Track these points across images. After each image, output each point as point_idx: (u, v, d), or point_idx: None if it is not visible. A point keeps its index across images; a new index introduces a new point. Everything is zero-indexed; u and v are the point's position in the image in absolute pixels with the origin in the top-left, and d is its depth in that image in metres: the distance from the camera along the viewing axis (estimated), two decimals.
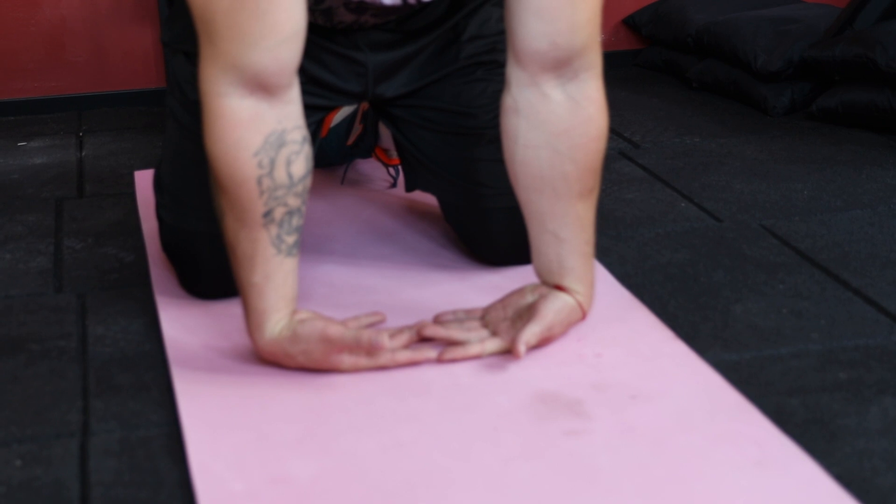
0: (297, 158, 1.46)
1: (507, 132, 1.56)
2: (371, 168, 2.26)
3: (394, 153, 2.14)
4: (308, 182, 1.49)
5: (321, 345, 1.47)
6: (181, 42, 1.72)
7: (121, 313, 1.74)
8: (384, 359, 1.50)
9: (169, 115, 1.75)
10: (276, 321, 1.48)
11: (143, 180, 2.26)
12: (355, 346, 1.47)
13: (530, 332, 1.51)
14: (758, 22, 2.77)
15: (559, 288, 1.55)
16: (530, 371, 1.50)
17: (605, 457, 1.31)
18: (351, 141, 2.13)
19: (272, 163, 1.44)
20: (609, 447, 1.33)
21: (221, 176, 1.46)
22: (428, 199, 2.07)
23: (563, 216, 1.54)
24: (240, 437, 1.37)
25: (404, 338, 1.54)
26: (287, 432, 1.38)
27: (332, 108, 1.82)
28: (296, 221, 1.48)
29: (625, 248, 1.92)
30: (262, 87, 1.42)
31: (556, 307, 1.54)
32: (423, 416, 1.41)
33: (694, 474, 1.28)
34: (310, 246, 1.88)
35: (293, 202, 1.47)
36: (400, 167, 2.15)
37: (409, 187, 1.88)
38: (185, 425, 1.40)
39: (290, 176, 1.46)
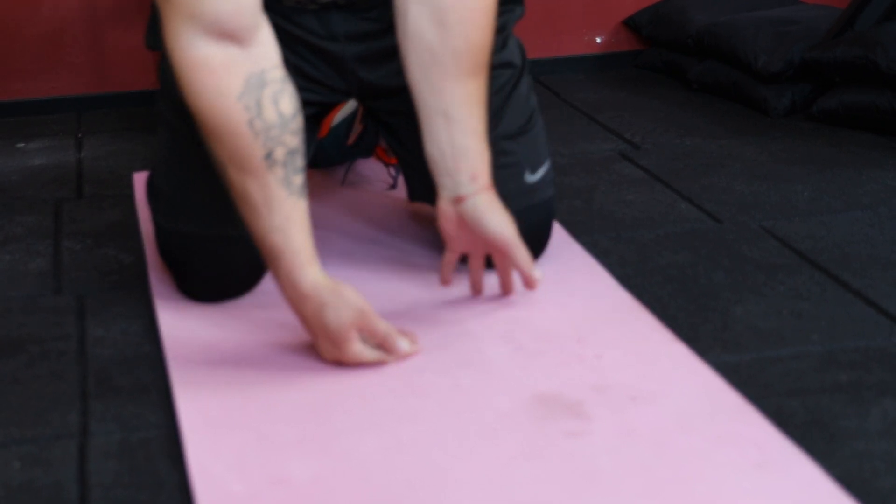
0: (283, 96, 1.46)
1: (397, 8, 1.57)
2: (371, 169, 2.26)
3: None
4: (300, 120, 1.49)
5: (355, 312, 1.47)
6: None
7: (120, 315, 1.73)
8: (387, 360, 1.50)
9: (160, 120, 1.75)
10: (317, 270, 1.48)
11: (142, 181, 2.26)
12: (380, 336, 1.48)
13: (526, 262, 1.58)
14: (758, 23, 2.77)
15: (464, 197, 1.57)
16: (530, 372, 1.50)
17: (605, 458, 1.31)
18: (351, 140, 2.13)
19: (258, 104, 1.45)
20: (609, 448, 1.33)
21: (213, 127, 1.46)
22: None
23: (453, 94, 1.56)
24: (239, 438, 1.37)
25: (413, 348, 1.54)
26: (287, 433, 1.38)
27: (326, 104, 1.81)
28: (299, 161, 1.48)
29: (625, 249, 1.92)
30: (224, 33, 1.43)
31: (498, 218, 1.58)
32: (424, 417, 1.41)
33: (694, 476, 1.28)
34: None
35: (291, 141, 1.47)
36: (399, 169, 2.15)
37: (413, 198, 1.88)
38: (185, 427, 1.40)
39: (280, 115, 1.46)
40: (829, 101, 2.55)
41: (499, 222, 1.58)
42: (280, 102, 1.46)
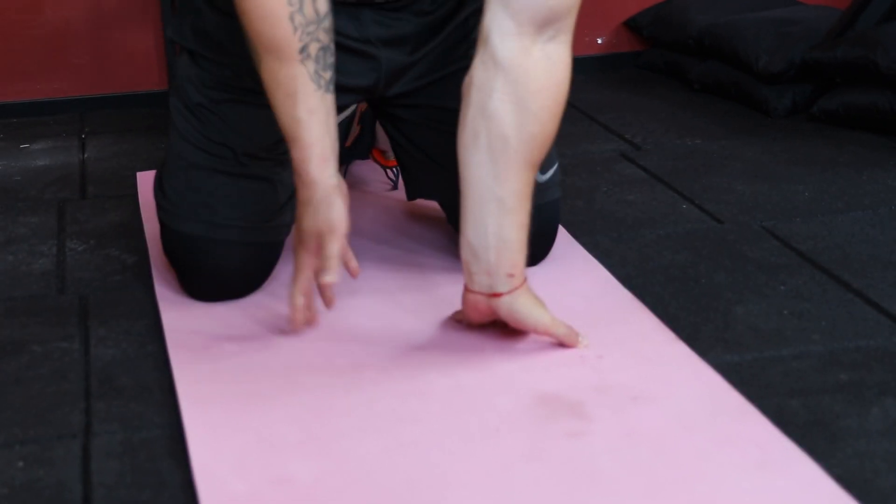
0: None
1: (481, 84, 1.53)
2: (370, 170, 2.26)
3: (391, 154, 2.14)
4: (331, 20, 1.55)
5: (326, 224, 1.52)
6: (185, 39, 1.72)
7: (123, 315, 1.74)
8: (304, 284, 1.56)
9: (171, 117, 1.75)
10: (325, 167, 1.52)
11: (146, 182, 2.26)
12: (324, 257, 1.53)
13: (568, 339, 1.56)
14: (759, 24, 2.77)
15: (491, 293, 1.55)
16: (532, 373, 1.50)
17: (607, 458, 1.31)
18: (349, 143, 2.13)
19: (300, 0, 1.51)
20: (610, 449, 1.33)
21: (256, 17, 1.51)
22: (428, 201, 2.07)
23: (513, 183, 1.53)
24: (241, 438, 1.38)
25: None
26: (288, 434, 1.38)
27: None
28: (329, 58, 1.54)
29: (626, 249, 1.92)
30: None
31: (537, 313, 1.55)
32: (425, 418, 1.41)
33: (695, 476, 1.28)
34: None
35: (324, 38, 1.53)
36: (398, 168, 2.15)
37: (411, 196, 1.88)
38: (187, 427, 1.40)
39: (316, 12, 1.52)
40: (829, 102, 2.55)
41: (537, 317, 1.55)
42: (317, 1, 1.52)
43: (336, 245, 1.53)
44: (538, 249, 1.78)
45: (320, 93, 1.53)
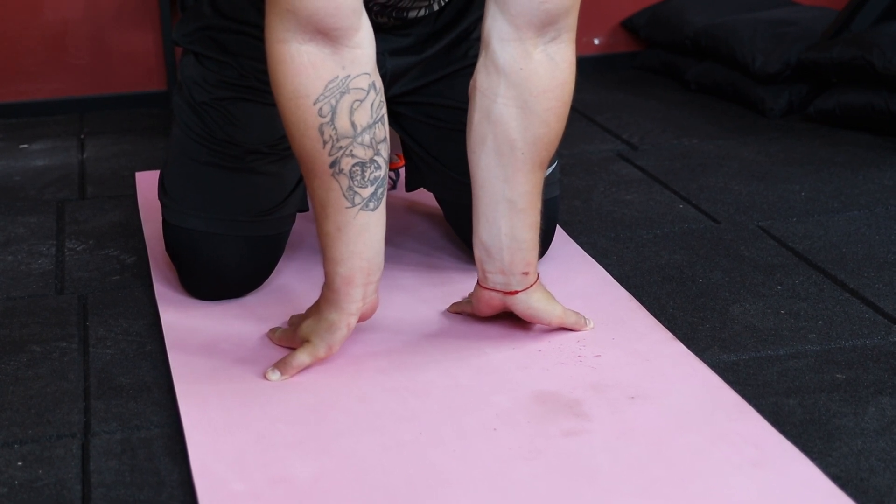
0: (362, 107, 1.44)
1: (484, 89, 1.53)
2: None
3: (393, 157, 2.14)
4: (379, 132, 1.46)
5: (308, 339, 1.51)
6: (191, 42, 1.73)
7: (122, 314, 1.74)
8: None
9: (174, 115, 1.76)
10: (345, 289, 1.48)
11: (145, 182, 2.27)
12: (281, 360, 1.52)
13: (580, 328, 1.60)
14: (755, 24, 2.78)
15: (511, 291, 1.57)
16: (529, 372, 1.51)
17: (604, 457, 1.32)
18: None
19: (333, 111, 1.42)
20: (608, 447, 1.34)
21: (287, 125, 1.44)
22: (428, 200, 2.07)
23: (522, 184, 1.54)
24: (240, 437, 1.38)
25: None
26: (287, 433, 1.39)
27: None
28: (371, 174, 1.46)
29: (623, 249, 1.93)
30: (320, 31, 1.40)
31: (551, 309, 1.58)
32: (423, 417, 1.41)
33: (692, 474, 1.29)
34: (310, 247, 1.89)
35: (362, 153, 1.44)
36: (399, 170, 2.16)
37: (410, 187, 1.88)
38: (186, 426, 1.41)
39: (353, 125, 1.43)
40: (825, 102, 2.56)
41: (551, 311, 1.58)
42: (356, 112, 1.43)
43: (303, 359, 1.51)
44: None
45: (354, 210, 1.46)
